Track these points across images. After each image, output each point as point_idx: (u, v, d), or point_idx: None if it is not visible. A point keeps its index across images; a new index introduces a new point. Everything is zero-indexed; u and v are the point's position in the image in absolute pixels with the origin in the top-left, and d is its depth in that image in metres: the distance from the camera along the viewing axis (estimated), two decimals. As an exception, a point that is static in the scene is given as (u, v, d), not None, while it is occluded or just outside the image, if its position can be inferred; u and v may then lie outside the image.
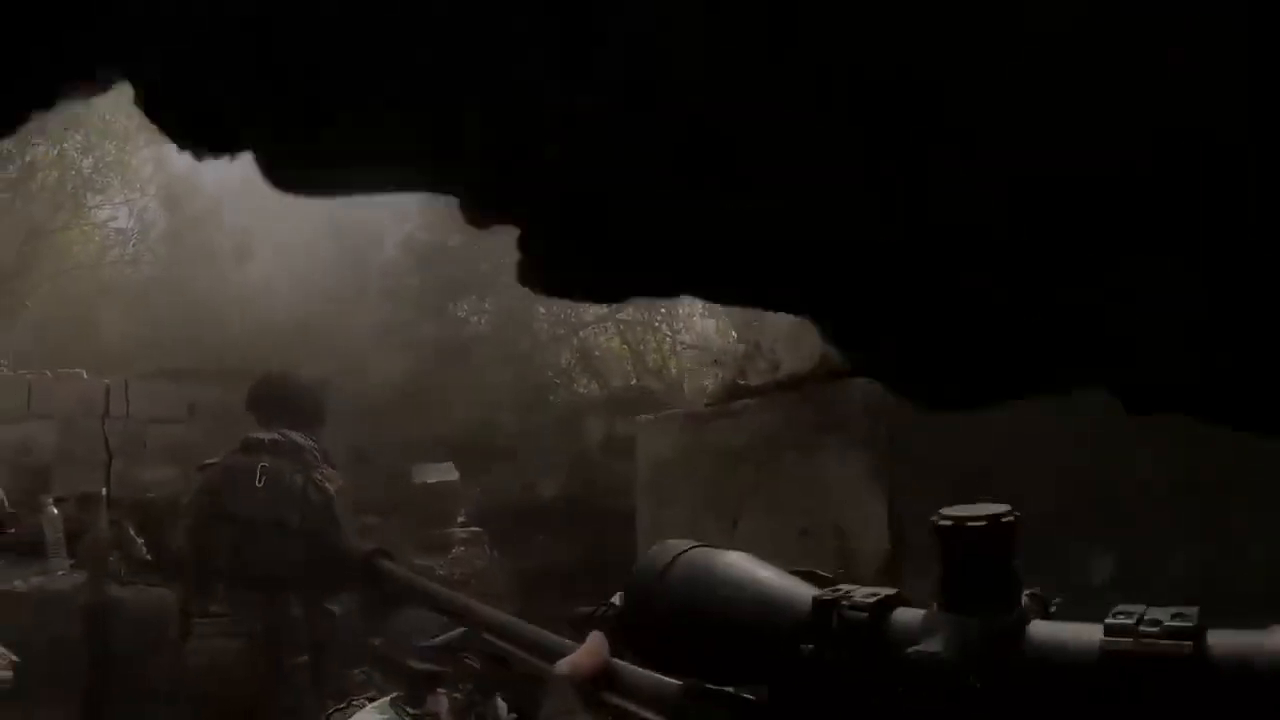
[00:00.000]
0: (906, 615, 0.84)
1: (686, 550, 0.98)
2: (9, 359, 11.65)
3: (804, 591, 0.89)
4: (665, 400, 9.28)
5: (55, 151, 14.72)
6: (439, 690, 3.62)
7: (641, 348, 12.27)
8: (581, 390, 11.03)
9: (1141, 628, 0.72)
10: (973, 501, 0.82)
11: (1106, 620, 0.74)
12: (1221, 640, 0.71)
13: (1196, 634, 0.71)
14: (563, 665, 1.04)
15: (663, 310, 12.84)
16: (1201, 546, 3.10)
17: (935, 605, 0.82)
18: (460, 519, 8.61)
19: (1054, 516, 2.87)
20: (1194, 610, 0.73)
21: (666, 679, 0.98)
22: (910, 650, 0.79)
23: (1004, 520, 0.81)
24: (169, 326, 12.55)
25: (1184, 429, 1.04)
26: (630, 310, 12.41)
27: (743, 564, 0.96)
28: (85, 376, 9.89)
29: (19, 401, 9.34)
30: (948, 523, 0.82)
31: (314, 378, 8.23)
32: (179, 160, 15.54)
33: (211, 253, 15.03)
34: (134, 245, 15.46)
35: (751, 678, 0.91)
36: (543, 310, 11.11)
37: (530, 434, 9.59)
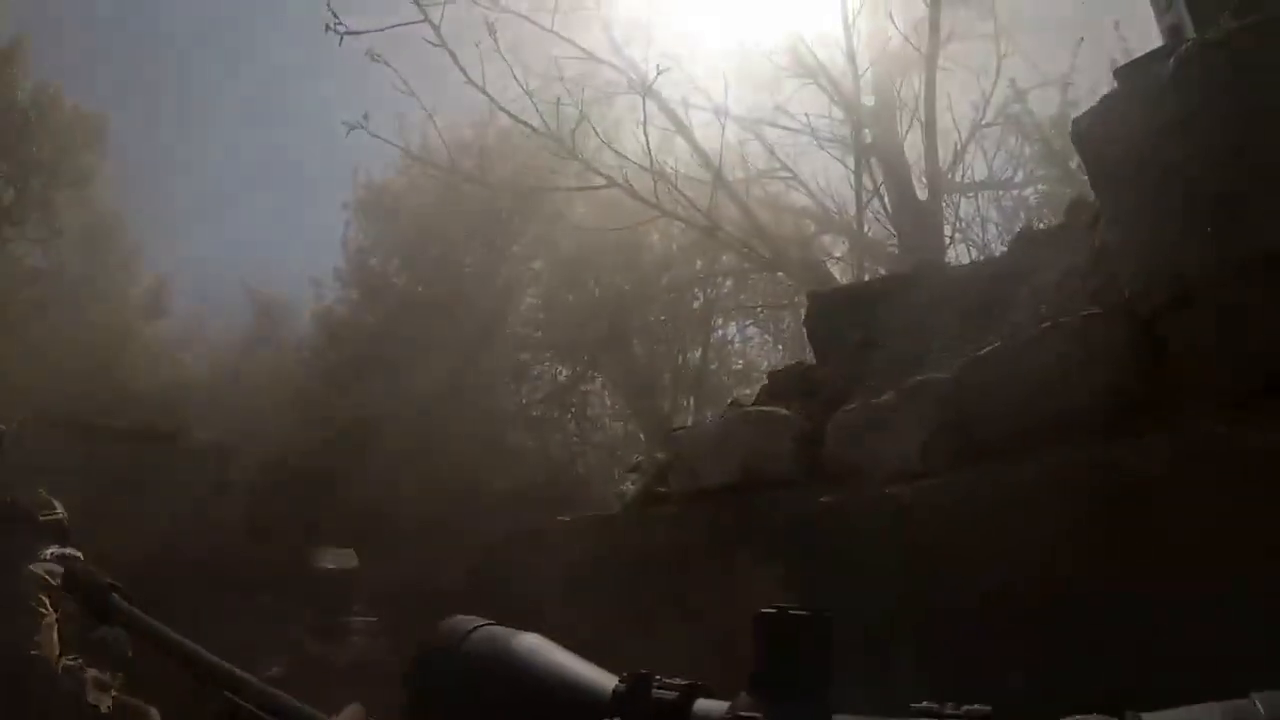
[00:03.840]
0: (711, 703, 0.87)
1: (479, 627, 0.98)
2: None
3: (605, 676, 0.91)
4: (572, 497, 9.27)
5: (-25, 179, 14.32)
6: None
7: (551, 442, 12.27)
8: (491, 483, 10.95)
9: (945, 711, 0.78)
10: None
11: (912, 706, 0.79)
12: None
13: (987, 715, 0.78)
14: None
15: (573, 408, 12.88)
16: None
17: (743, 693, 0.84)
18: (356, 608, 8.46)
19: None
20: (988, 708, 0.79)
21: None
22: None
23: (823, 616, 0.85)
24: (73, 376, 12.23)
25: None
26: (540, 408, 12.41)
27: (541, 646, 0.97)
28: (-22, 418, 9.57)
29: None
30: (770, 611, 0.86)
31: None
32: (103, 202, 15.30)
33: (125, 303, 14.73)
34: (46, 286, 15.03)
35: None
36: (454, 398, 11.07)
37: (435, 522, 9.49)
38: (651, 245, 12.88)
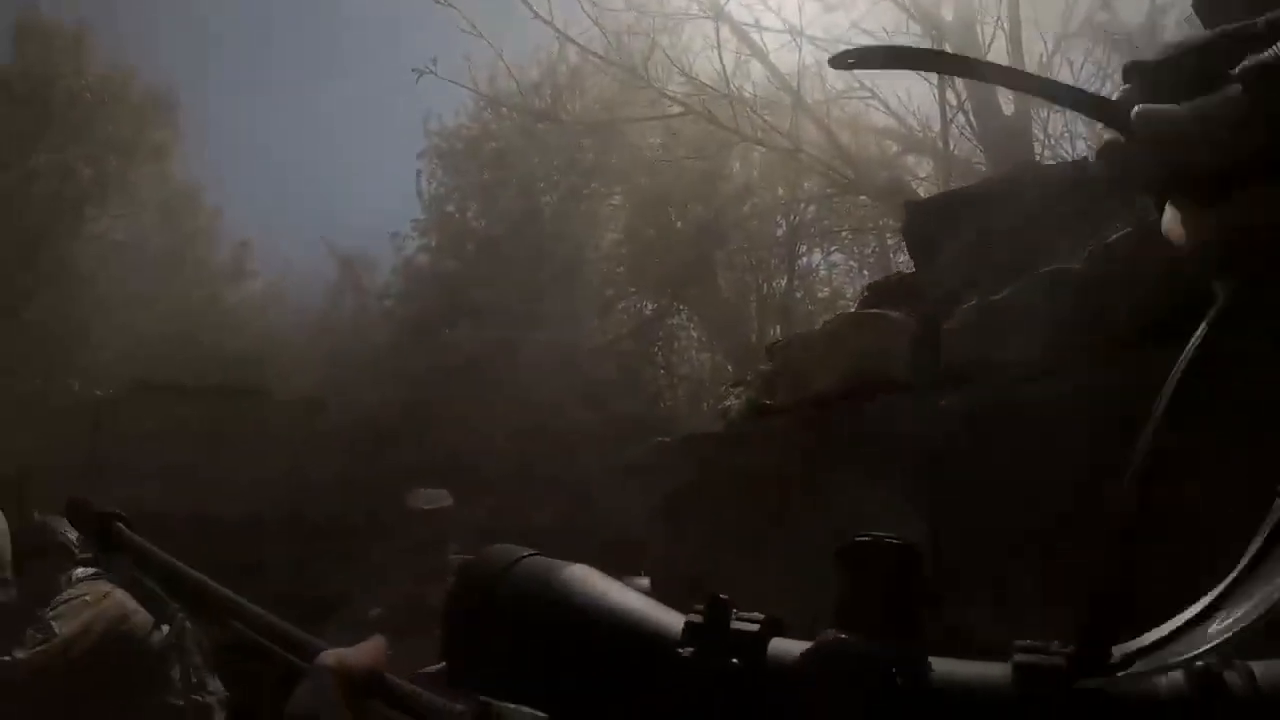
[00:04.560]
0: (790, 642, 0.76)
1: (525, 557, 0.85)
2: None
3: (663, 609, 0.79)
4: (662, 429, 9.14)
5: (58, 159, 14.62)
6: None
7: (639, 377, 12.20)
8: (580, 420, 10.91)
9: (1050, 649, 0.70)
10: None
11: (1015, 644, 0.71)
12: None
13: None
14: (327, 656, 0.89)
15: (659, 342, 12.80)
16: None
17: (828, 630, 0.74)
18: (454, 548, 8.43)
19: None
20: None
21: (444, 701, 0.84)
22: (800, 664, 0.72)
23: (912, 548, 0.75)
24: (163, 342, 12.42)
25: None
26: (626, 343, 12.37)
27: (592, 576, 0.84)
28: (77, 388, 9.76)
29: (10, 411, 9.19)
30: (865, 538, 0.75)
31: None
32: (180, 175, 15.60)
33: (208, 270, 15.00)
34: (131, 259, 15.34)
35: (605, 698, 0.78)
36: (540, 338, 11.03)
37: (528, 461, 9.44)
38: (731, 174, 12.65)
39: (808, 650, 0.73)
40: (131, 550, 1.37)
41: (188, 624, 4.83)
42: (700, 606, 0.77)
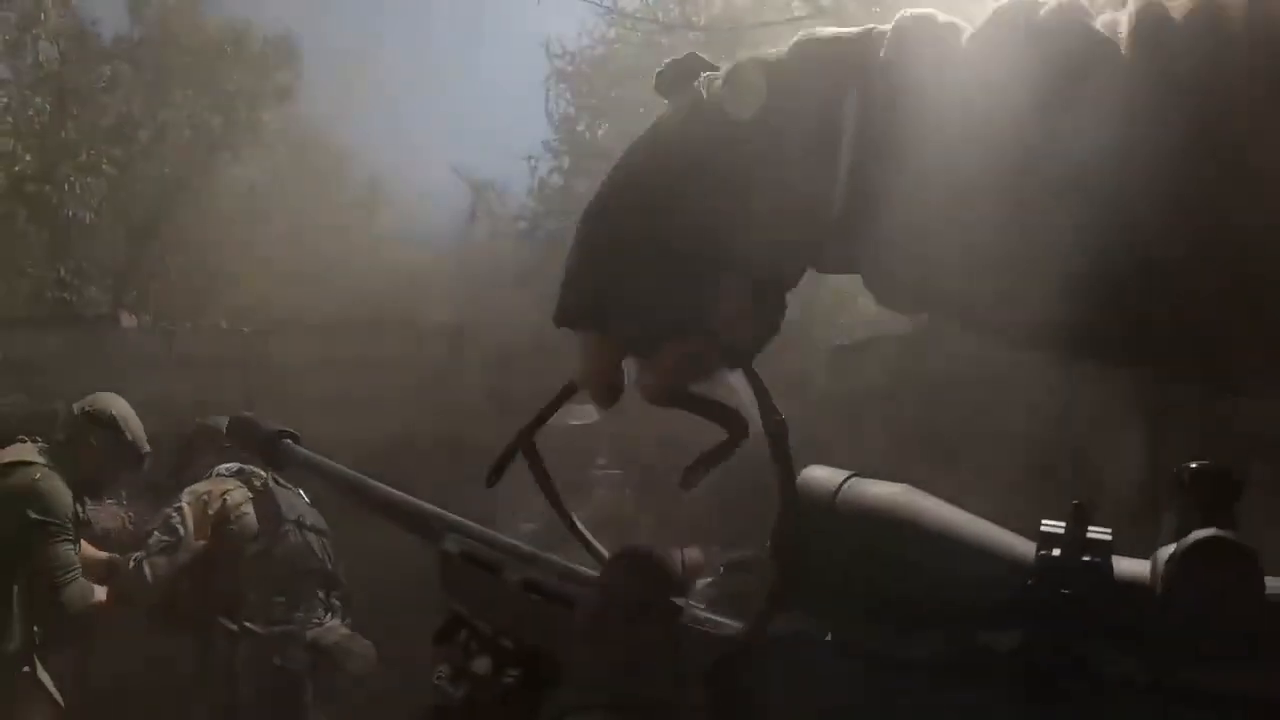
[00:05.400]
0: (1133, 563, 0.70)
1: (849, 478, 0.80)
2: (150, 312, 11.86)
3: (998, 529, 0.75)
4: (809, 345, 8.96)
5: (186, 113, 15.02)
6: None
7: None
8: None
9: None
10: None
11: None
12: None
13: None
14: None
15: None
16: None
17: (1173, 554, 0.67)
18: (601, 462, 8.43)
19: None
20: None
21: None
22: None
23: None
24: (303, 279, 12.67)
25: None
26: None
27: (919, 497, 0.78)
28: (224, 327, 9.98)
29: (161, 353, 9.44)
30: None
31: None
32: (306, 116, 15.87)
33: (341, 205, 15.25)
34: (266, 201, 15.73)
35: (959, 623, 0.73)
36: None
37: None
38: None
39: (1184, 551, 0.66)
40: (300, 463, 1.32)
41: (292, 541, 4.87)
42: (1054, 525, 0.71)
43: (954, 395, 3.72)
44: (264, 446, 1.33)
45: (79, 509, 4.59)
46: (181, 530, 4.63)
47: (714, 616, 0.90)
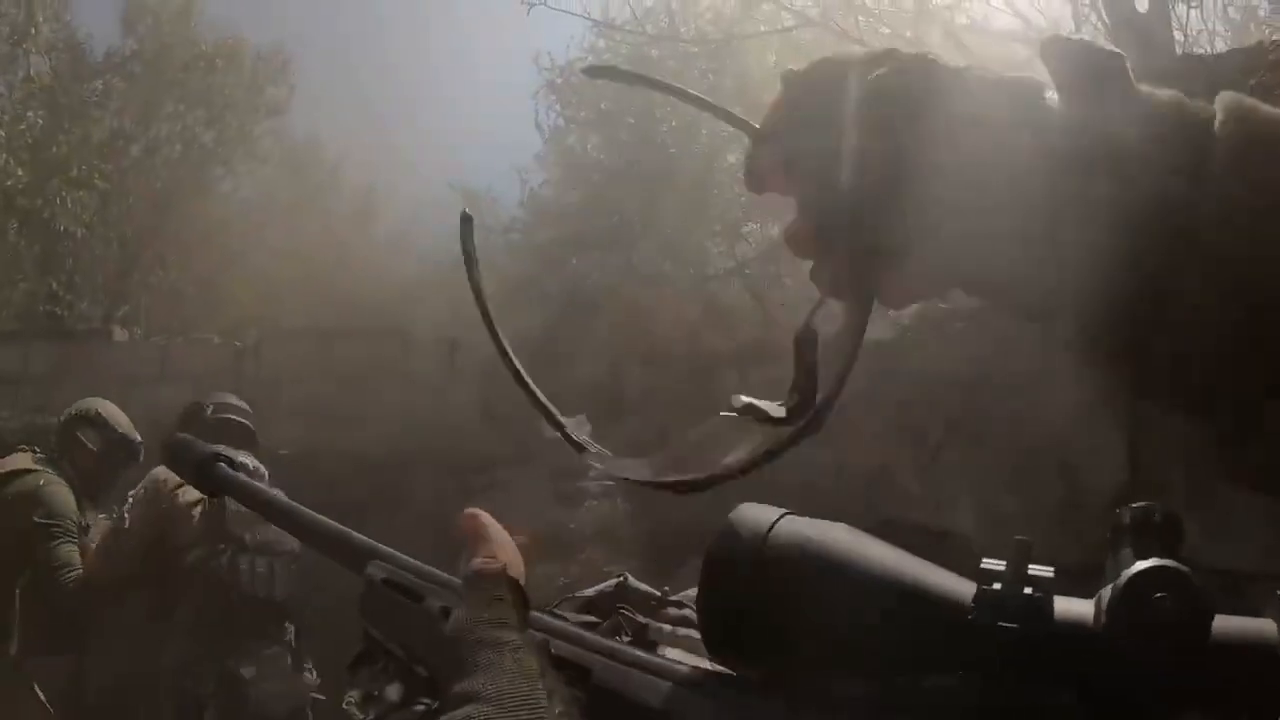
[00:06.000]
0: (1074, 603, 0.69)
1: (782, 517, 0.78)
2: (142, 326, 11.86)
3: (939, 570, 0.73)
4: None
5: (178, 127, 15.03)
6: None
7: (767, 301, 12.06)
8: (713, 345, 10.84)
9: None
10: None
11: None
12: None
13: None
14: (484, 563, 0.92)
15: (788, 263, 12.61)
16: None
17: (1114, 586, 0.65)
18: (592, 473, 8.45)
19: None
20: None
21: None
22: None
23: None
24: (296, 291, 12.70)
25: None
26: (754, 265, 12.23)
27: (859, 538, 0.77)
28: (217, 341, 9.99)
29: (154, 367, 9.45)
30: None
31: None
32: (299, 129, 15.91)
33: (334, 217, 15.30)
34: (258, 214, 15.75)
35: (893, 666, 0.72)
36: (668, 265, 10.95)
37: (660, 387, 9.40)
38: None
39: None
40: (234, 488, 1.32)
41: (222, 563, 4.58)
42: (995, 563, 0.69)
43: (934, 398, 3.76)
44: (197, 470, 1.33)
45: (82, 514, 4.62)
46: (126, 517, 4.53)
47: (582, 632, 0.92)
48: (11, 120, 13.77)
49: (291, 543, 4.34)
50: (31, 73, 14.32)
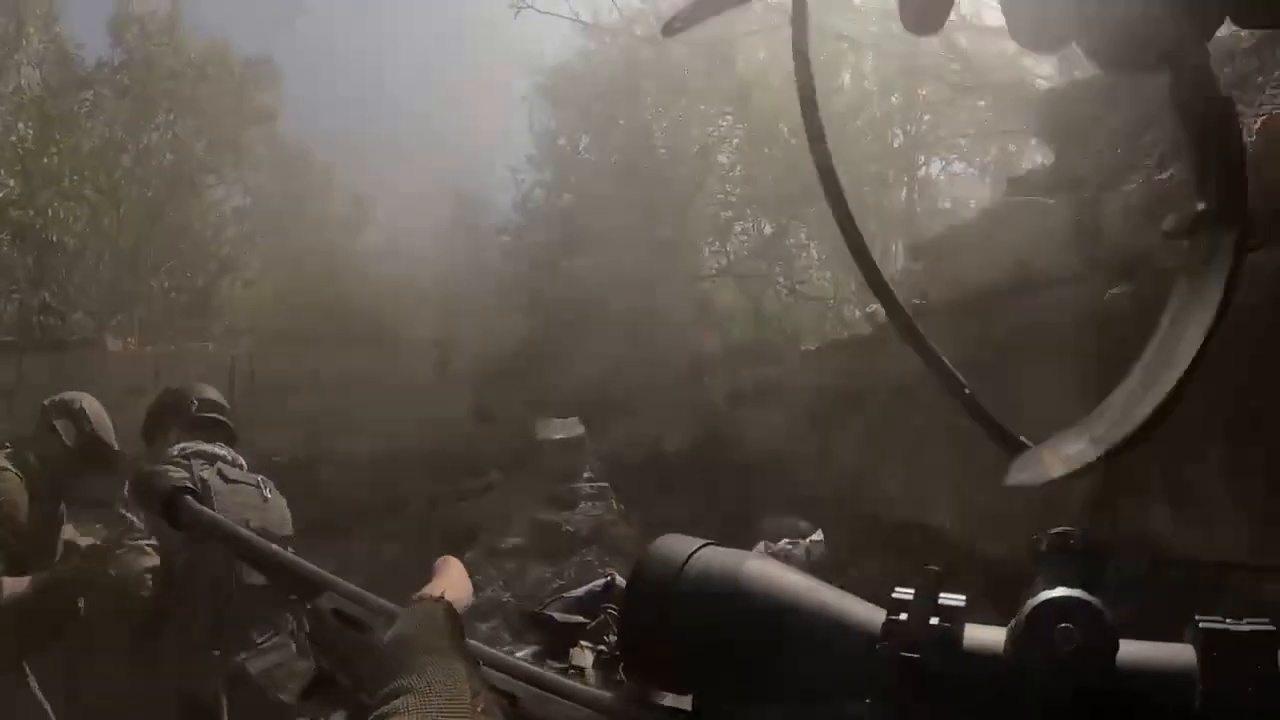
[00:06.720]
0: (986, 630, 0.69)
1: (701, 548, 0.80)
2: (135, 336, 11.85)
3: (853, 600, 0.74)
4: (786, 353, 8.99)
5: (169, 135, 15.02)
6: (582, 644, 3.34)
7: (759, 301, 12.09)
8: (701, 344, 10.87)
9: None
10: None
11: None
12: None
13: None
14: (425, 591, 0.97)
15: (780, 262, 12.64)
16: None
17: (1018, 616, 0.66)
18: (586, 474, 8.47)
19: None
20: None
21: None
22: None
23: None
24: (289, 298, 12.69)
25: None
26: (746, 265, 12.25)
27: (772, 568, 0.78)
28: (211, 349, 10.00)
29: (148, 376, 9.45)
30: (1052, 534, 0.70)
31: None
32: (289, 136, 15.88)
33: (327, 223, 15.29)
34: (250, 222, 15.74)
35: (804, 693, 0.73)
36: (661, 266, 10.96)
37: (652, 388, 9.41)
38: (843, 86, 12.33)
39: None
40: (198, 522, 1.34)
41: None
42: (906, 592, 0.70)
43: (916, 394, 3.78)
44: (162, 504, 1.35)
45: (38, 508, 4.52)
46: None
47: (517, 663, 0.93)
48: (3, 131, 13.76)
49: (286, 529, 4.44)
50: (22, 84, 14.31)
